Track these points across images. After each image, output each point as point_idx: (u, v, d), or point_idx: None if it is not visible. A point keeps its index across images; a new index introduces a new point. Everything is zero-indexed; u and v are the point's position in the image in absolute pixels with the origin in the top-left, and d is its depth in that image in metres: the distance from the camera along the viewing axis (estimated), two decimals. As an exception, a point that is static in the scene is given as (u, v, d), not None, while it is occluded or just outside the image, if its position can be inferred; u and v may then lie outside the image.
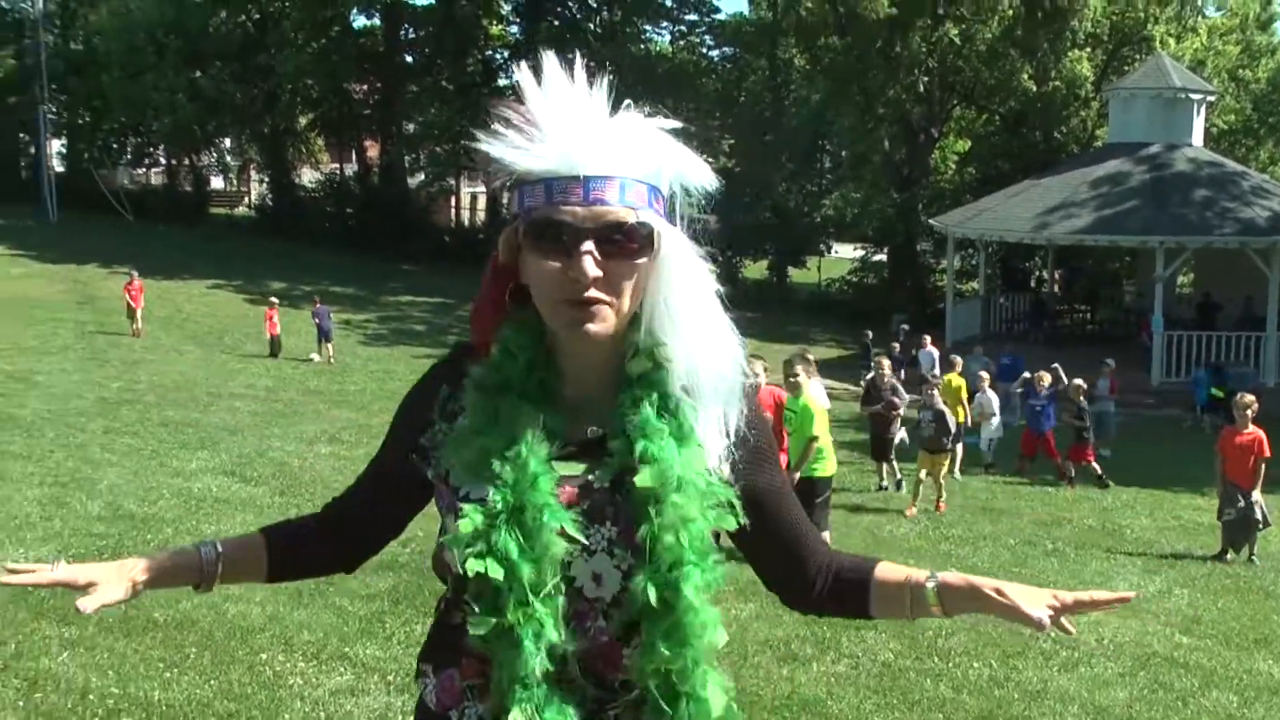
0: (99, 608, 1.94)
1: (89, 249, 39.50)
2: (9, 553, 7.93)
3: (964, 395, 18.75)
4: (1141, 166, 32.60)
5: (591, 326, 1.85)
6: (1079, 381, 19.30)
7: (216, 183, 58.86)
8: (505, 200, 1.99)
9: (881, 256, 46.65)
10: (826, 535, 10.63)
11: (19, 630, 6.24)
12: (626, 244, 1.85)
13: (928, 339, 26.88)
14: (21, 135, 51.96)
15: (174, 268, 38.46)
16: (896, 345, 27.65)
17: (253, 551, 2.12)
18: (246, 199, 59.16)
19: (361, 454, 14.49)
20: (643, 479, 1.87)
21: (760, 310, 39.65)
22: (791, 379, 10.94)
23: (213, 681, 5.74)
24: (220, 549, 2.08)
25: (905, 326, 33.27)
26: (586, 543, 1.88)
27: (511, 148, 1.86)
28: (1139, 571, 11.82)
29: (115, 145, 53.73)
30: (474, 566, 1.83)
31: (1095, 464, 18.55)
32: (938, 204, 41.56)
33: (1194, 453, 19.99)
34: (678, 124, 1.95)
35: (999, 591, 1.95)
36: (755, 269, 47.82)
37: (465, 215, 57.59)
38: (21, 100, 47.77)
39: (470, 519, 1.85)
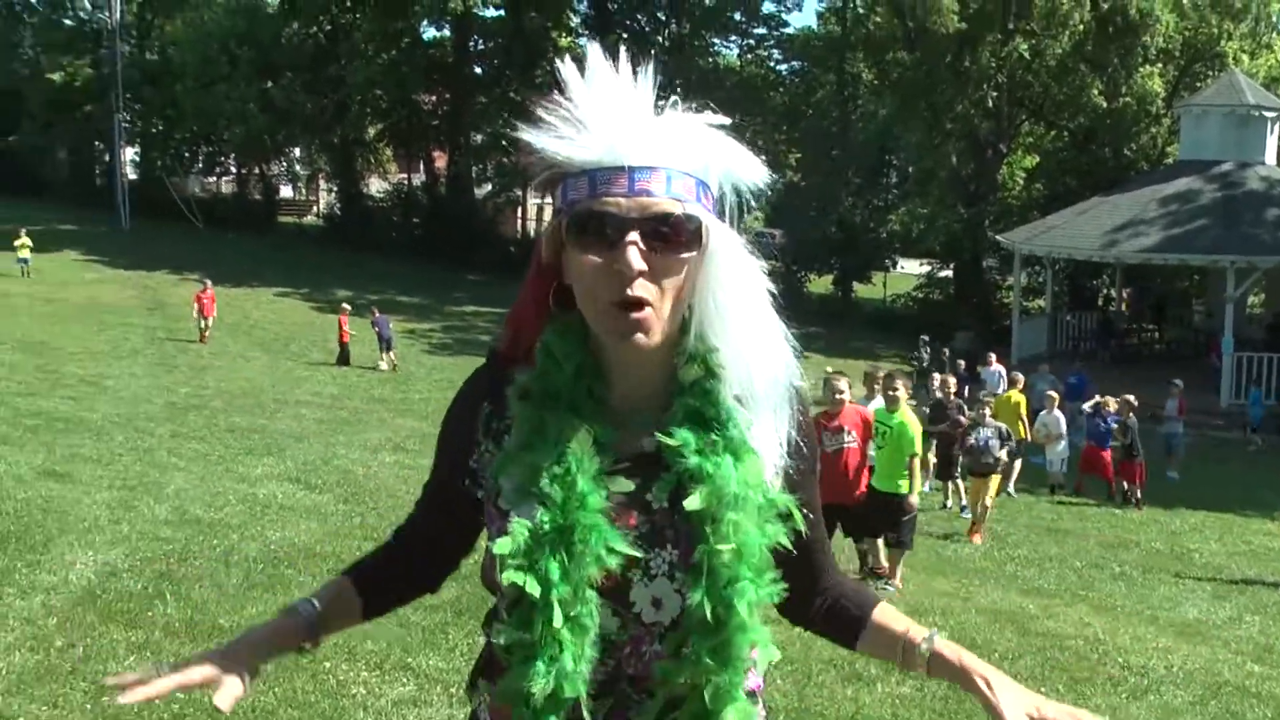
0: (234, 702, 1.87)
1: (160, 255, 40.05)
2: (78, 555, 8.01)
3: (1023, 411, 18.54)
4: (1213, 185, 32.18)
5: (640, 338, 1.78)
6: (1129, 397, 19.01)
7: (286, 192, 59.57)
8: (548, 197, 1.91)
9: (947, 272, 46.33)
10: (907, 553, 10.64)
11: (87, 633, 6.30)
12: (673, 236, 1.77)
13: (993, 357, 26.52)
14: (97, 143, 52.81)
15: (242, 275, 38.90)
16: (962, 362, 27.37)
17: (345, 599, 2.08)
18: (315, 208, 59.75)
19: (425, 463, 14.40)
20: (695, 500, 1.81)
21: (824, 325, 39.49)
22: (891, 393, 10.88)
23: (277, 689, 5.76)
24: (317, 605, 2.03)
25: (925, 339, 33.17)
26: (646, 566, 1.84)
27: (555, 138, 1.80)
28: (1208, 597, 11.64)
29: (187, 154, 54.58)
30: (511, 578, 1.79)
31: (1139, 485, 18.35)
32: (1005, 220, 41.23)
33: (1263, 475, 19.75)
34: (726, 120, 1.88)
35: (986, 683, 1.91)
36: (820, 284, 47.64)
37: (531, 226, 57.79)
38: (98, 109, 48.54)
39: (516, 535, 1.81)
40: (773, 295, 1.89)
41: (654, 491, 1.85)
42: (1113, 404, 18.85)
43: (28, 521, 8.95)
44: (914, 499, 10.68)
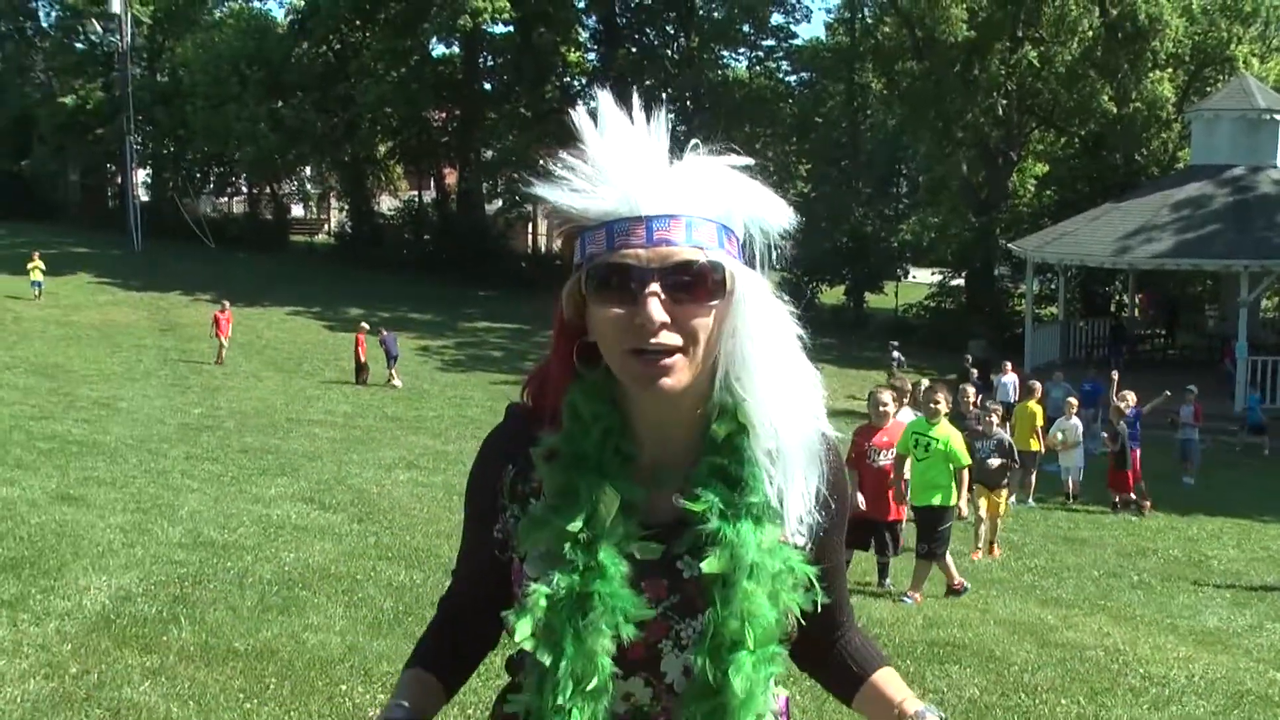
0: None
1: (172, 276, 40.16)
2: (92, 580, 8.00)
3: (1039, 422, 18.44)
4: (1224, 189, 32.09)
5: (666, 381, 1.73)
6: (1122, 403, 18.70)
7: (297, 210, 59.65)
8: (566, 251, 1.87)
9: (959, 281, 46.24)
10: (944, 563, 10.69)
11: (102, 659, 6.29)
12: (696, 286, 1.73)
13: (1008, 365, 26.40)
14: (109, 165, 52.97)
15: (254, 294, 38.97)
16: (975, 371, 27.25)
17: (429, 689, 2.00)
18: (326, 226, 59.80)
19: (439, 481, 14.56)
20: (711, 565, 1.78)
21: (837, 336, 39.43)
22: (933, 405, 10.95)
23: (292, 713, 5.74)
24: (409, 706, 1.92)
25: (895, 344, 33.06)
26: (677, 635, 1.83)
27: (569, 191, 1.77)
28: (1228, 604, 11.55)
29: (199, 174, 54.77)
30: (524, 643, 1.78)
31: (1133, 493, 18.27)
32: (1016, 228, 41.11)
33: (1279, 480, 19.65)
34: (750, 161, 1.83)
35: None
36: (832, 294, 47.57)
37: (542, 241, 57.83)
38: (109, 131, 48.65)
39: (532, 602, 1.78)
40: (802, 341, 1.86)
41: (685, 559, 1.83)
42: (1132, 398, 18.63)
43: (42, 546, 8.95)
44: (964, 508, 11.00)
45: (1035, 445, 18.17)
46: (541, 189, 1.80)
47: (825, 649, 2.07)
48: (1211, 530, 16.86)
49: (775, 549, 1.82)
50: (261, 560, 9.23)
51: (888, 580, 11.09)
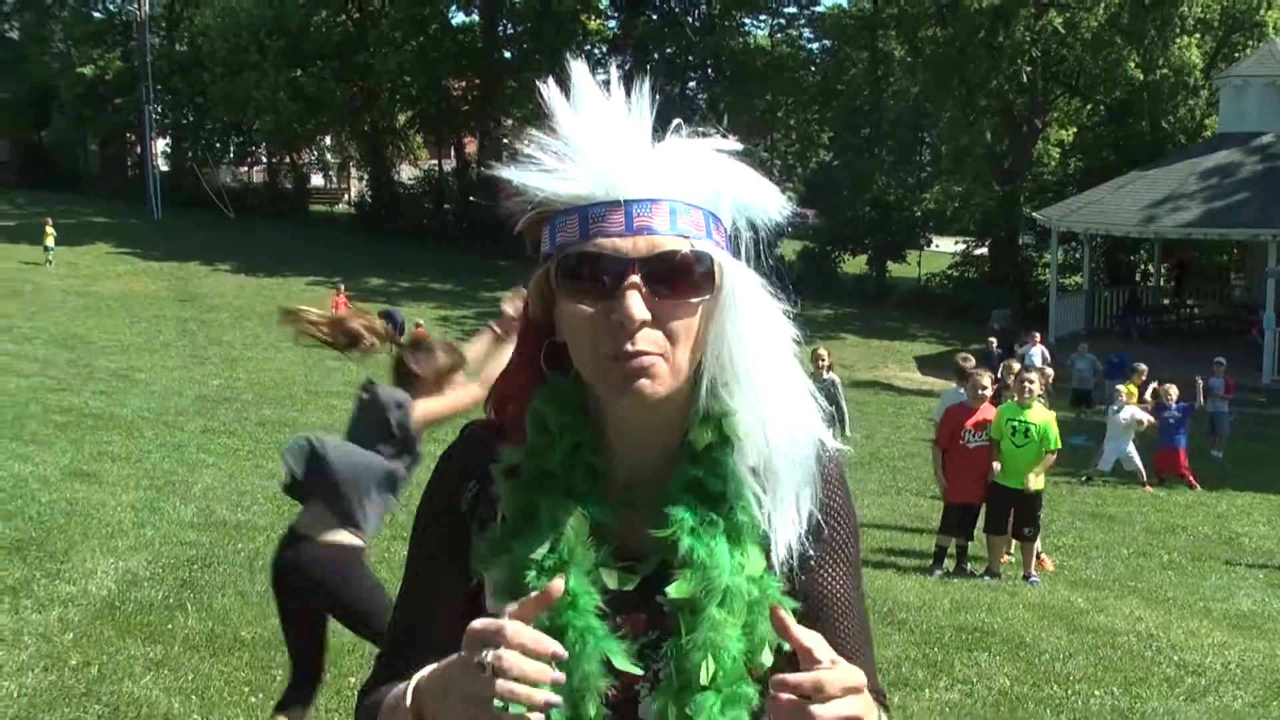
0: None
1: (192, 246, 40.06)
2: (99, 563, 7.84)
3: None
4: (1253, 157, 31.67)
5: (645, 384, 1.48)
6: (1165, 397, 18.14)
7: (316, 180, 59.52)
8: (533, 237, 1.62)
9: (983, 250, 45.84)
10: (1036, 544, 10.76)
11: (104, 649, 6.11)
12: (681, 279, 1.49)
13: (1036, 336, 26.00)
14: (128, 135, 52.90)
15: (274, 264, 38.87)
16: (994, 340, 26.90)
17: None
18: (346, 196, 59.68)
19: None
20: (678, 589, 1.53)
21: (859, 305, 39.19)
22: (1027, 386, 10.91)
23: (298, 707, 5.55)
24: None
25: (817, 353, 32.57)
26: (655, 676, 1.56)
27: (537, 172, 1.53)
28: (1261, 586, 11.30)
29: (218, 144, 54.64)
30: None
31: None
32: (1040, 197, 40.71)
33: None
34: (739, 145, 1.57)
35: None
36: (854, 263, 47.23)
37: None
38: (128, 101, 48.55)
39: None
40: (797, 343, 1.60)
41: (664, 593, 1.56)
42: (1174, 391, 18.15)
43: (50, 526, 8.80)
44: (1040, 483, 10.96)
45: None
46: (506, 170, 1.56)
47: None
48: (1241, 506, 16.58)
49: (757, 577, 1.57)
50: (274, 541, 8.97)
51: (968, 564, 11.08)
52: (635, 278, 1.48)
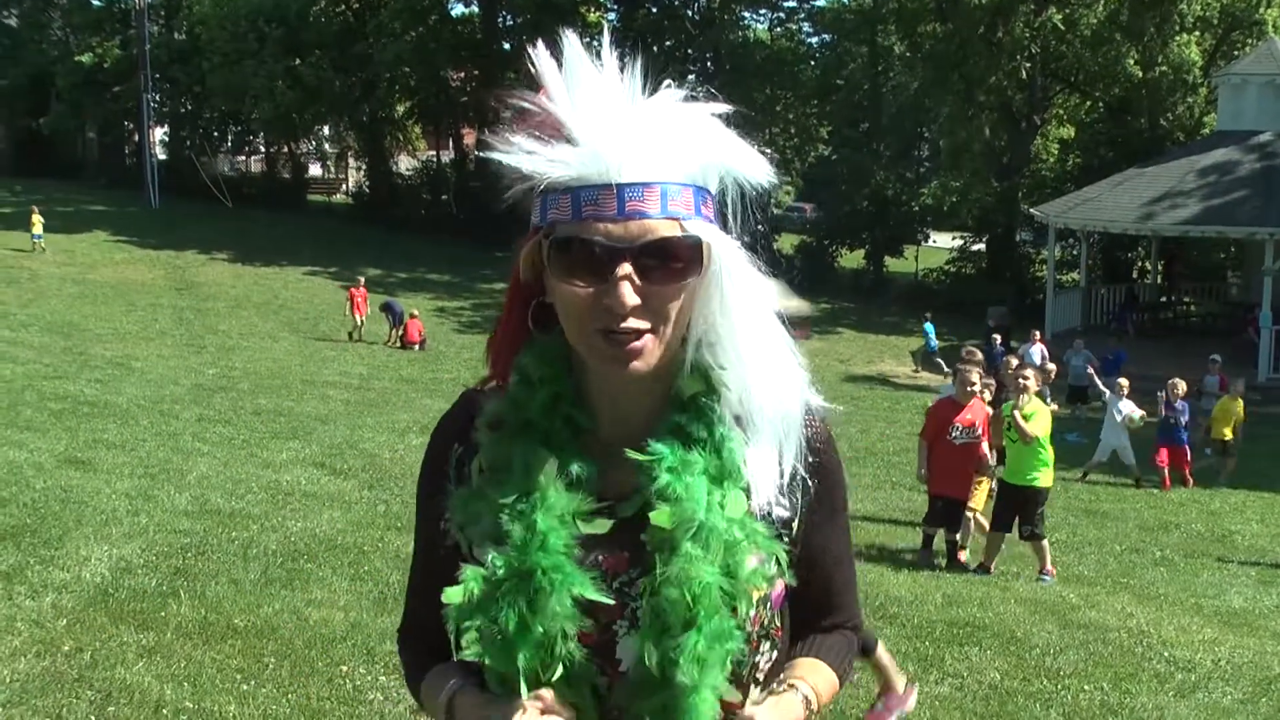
0: None
1: (189, 235, 40.03)
2: (93, 550, 7.84)
3: (1240, 419, 18.32)
4: (1252, 155, 31.62)
5: (636, 365, 1.54)
6: (1172, 393, 18.00)
7: (314, 170, 59.43)
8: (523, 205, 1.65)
9: (980, 246, 45.85)
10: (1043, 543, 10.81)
11: (97, 636, 6.12)
12: (670, 264, 1.53)
13: (1036, 334, 25.97)
14: (126, 123, 52.82)
15: (271, 254, 38.85)
16: (998, 338, 26.86)
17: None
18: (344, 186, 59.64)
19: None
20: (658, 518, 1.55)
21: (856, 300, 39.18)
22: (1022, 383, 10.85)
23: (290, 695, 5.56)
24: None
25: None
26: (633, 615, 1.59)
27: (528, 151, 1.56)
28: (1253, 583, 11.32)
29: (216, 133, 54.55)
30: (470, 651, 1.55)
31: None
32: (1038, 193, 40.70)
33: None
34: (727, 108, 1.60)
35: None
36: (852, 258, 47.23)
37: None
38: (126, 89, 48.48)
39: (467, 585, 1.55)
40: (781, 317, 1.64)
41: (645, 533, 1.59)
42: (1182, 385, 18.02)
43: (44, 514, 8.79)
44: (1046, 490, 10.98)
45: (1229, 435, 18.47)
46: (497, 150, 1.59)
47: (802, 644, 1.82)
48: (1234, 503, 16.61)
49: (738, 519, 1.59)
50: (267, 530, 9.06)
51: (963, 555, 11.15)
52: (626, 267, 1.51)
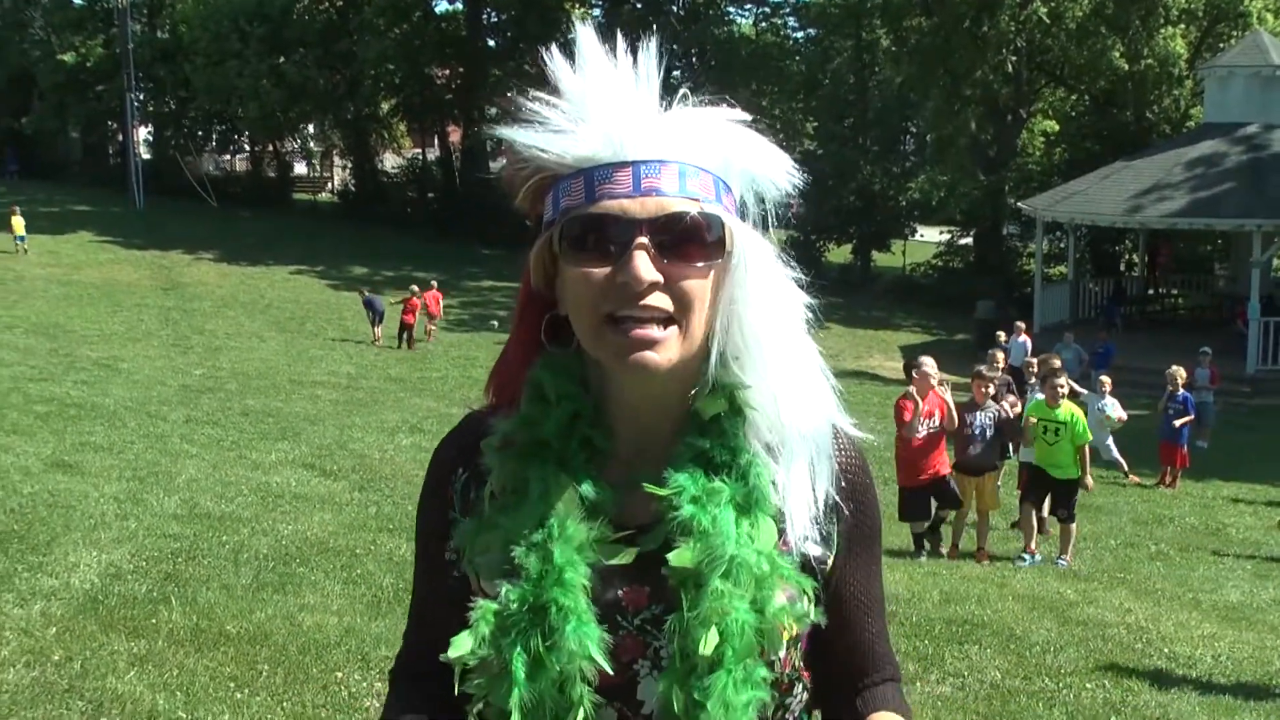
0: None
1: (174, 235, 39.85)
2: (82, 555, 7.74)
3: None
4: (1238, 147, 31.63)
5: (651, 356, 1.41)
6: (1171, 384, 17.93)
7: (300, 169, 59.21)
8: (535, 208, 1.55)
9: (967, 240, 45.87)
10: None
11: (87, 645, 6.02)
12: (690, 242, 1.42)
13: (1021, 326, 25.82)
14: (109, 123, 52.59)
15: (257, 253, 38.71)
16: (1001, 335, 26.62)
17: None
18: (329, 185, 59.43)
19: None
20: (680, 556, 1.44)
21: (843, 295, 39.12)
22: (1057, 387, 11.42)
23: (285, 703, 5.48)
24: None
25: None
26: (656, 654, 1.48)
27: (541, 134, 1.47)
28: (1249, 577, 11.28)
29: (201, 132, 54.30)
30: (476, 698, 1.45)
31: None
32: (1025, 186, 40.70)
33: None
34: (749, 116, 1.51)
35: None
36: (839, 253, 47.20)
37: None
38: (109, 88, 48.25)
39: (478, 625, 1.44)
40: (811, 313, 1.54)
41: (667, 567, 1.47)
42: (1181, 373, 17.89)
43: (32, 519, 8.69)
44: (1089, 480, 11.74)
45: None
46: (507, 131, 1.50)
47: (845, 700, 1.67)
48: (1227, 495, 16.58)
49: (765, 549, 1.47)
50: (258, 533, 8.97)
51: (939, 543, 11.69)
52: (643, 239, 1.41)
